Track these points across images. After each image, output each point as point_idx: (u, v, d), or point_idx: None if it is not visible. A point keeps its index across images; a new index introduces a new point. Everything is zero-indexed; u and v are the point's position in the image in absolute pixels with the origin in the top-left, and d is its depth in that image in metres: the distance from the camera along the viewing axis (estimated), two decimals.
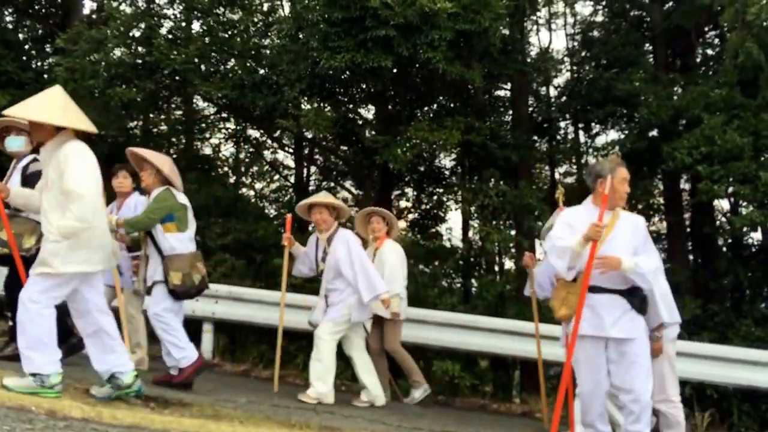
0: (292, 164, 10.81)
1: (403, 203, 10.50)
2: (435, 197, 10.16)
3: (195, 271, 3.84)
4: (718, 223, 9.10)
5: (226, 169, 10.60)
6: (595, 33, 10.39)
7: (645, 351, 3.02)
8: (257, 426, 3.42)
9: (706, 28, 9.13)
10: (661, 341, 3.48)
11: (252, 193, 10.73)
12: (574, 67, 10.56)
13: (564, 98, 10.33)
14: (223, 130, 10.22)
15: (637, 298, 3.00)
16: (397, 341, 4.73)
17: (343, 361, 5.62)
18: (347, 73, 6.76)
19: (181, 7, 7.89)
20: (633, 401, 2.96)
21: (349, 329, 4.28)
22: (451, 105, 8.30)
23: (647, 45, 9.62)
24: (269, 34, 8.33)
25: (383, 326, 4.68)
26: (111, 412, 2.97)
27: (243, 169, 10.42)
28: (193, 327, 5.46)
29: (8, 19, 10.13)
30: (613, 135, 9.85)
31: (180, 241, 3.85)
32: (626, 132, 9.08)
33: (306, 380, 4.99)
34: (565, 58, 10.98)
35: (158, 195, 3.88)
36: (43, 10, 10.28)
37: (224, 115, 9.47)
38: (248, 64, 7.69)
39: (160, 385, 3.71)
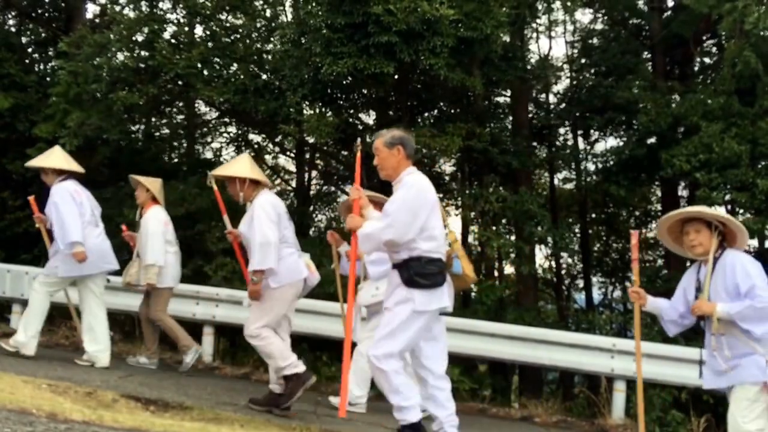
0: (293, 169, 10.85)
1: None
2: None
3: None
4: None
5: None
6: (595, 41, 10.47)
7: None
8: (258, 429, 3.44)
9: (705, 37, 9.21)
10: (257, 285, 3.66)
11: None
12: (574, 74, 10.63)
13: (563, 105, 10.40)
14: (225, 135, 10.26)
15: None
16: (159, 310, 4.86)
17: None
18: (349, 78, 6.81)
19: (183, 12, 7.93)
20: None
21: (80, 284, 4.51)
22: (452, 111, 8.35)
23: (646, 53, 9.70)
24: (272, 39, 8.39)
25: (150, 295, 4.86)
26: (112, 415, 3.00)
27: None
28: (194, 330, 5.49)
29: (11, 22, 10.18)
30: (612, 142, 9.92)
31: None
32: (625, 139, 9.14)
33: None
34: (565, 66, 11.05)
35: None
36: (47, 14, 10.33)
37: (226, 119, 9.50)
38: (251, 69, 7.74)
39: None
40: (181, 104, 9.01)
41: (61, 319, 6.09)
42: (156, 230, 4.77)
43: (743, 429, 2.80)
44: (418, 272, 2.96)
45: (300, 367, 3.73)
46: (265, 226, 3.67)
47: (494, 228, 8.12)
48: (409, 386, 3.01)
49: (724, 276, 2.91)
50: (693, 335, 6.88)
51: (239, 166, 3.96)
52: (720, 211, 3.01)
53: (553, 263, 11.09)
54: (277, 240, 3.72)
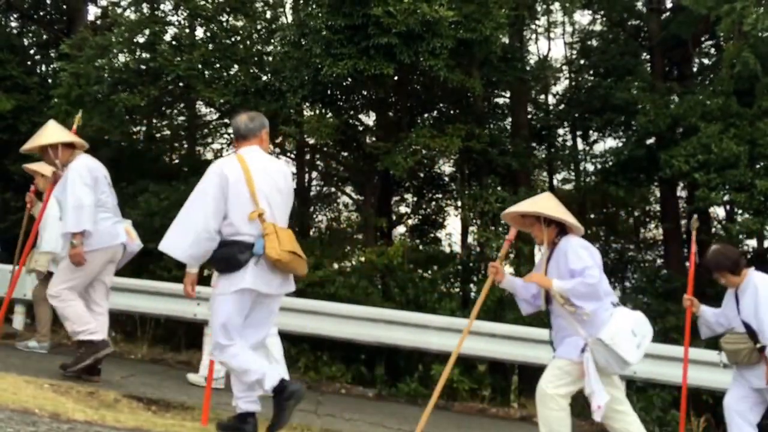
0: (293, 170, 10.87)
1: (402, 209, 10.58)
2: (434, 203, 10.24)
3: None
4: (714, 230, 9.17)
5: None
6: (594, 42, 10.50)
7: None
8: (259, 428, 3.46)
9: (703, 38, 9.25)
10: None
11: None
12: (573, 76, 10.66)
13: (562, 106, 10.43)
14: (226, 136, 10.28)
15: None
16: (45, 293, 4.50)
17: (345, 363, 5.67)
18: (349, 80, 6.84)
19: (185, 14, 7.96)
20: None
21: None
22: (452, 112, 8.38)
23: (645, 54, 9.73)
24: (272, 41, 8.42)
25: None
26: (114, 415, 3.02)
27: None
28: (195, 330, 5.52)
29: (13, 24, 10.22)
30: (611, 142, 9.95)
31: None
32: (624, 140, 9.17)
33: (308, 383, 5.05)
34: (564, 67, 11.09)
35: None
36: (48, 16, 10.37)
37: (227, 120, 9.52)
38: (251, 71, 7.76)
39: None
40: (182, 105, 9.04)
41: None
42: (54, 214, 4.33)
43: (544, 390, 3.12)
44: (214, 257, 2.95)
45: (97, 335, 3.69)
46: (78, 189, 3.62)
47: (493, 228, 8.14)
48: (254, 362, 2.96)
49: (558, 261, 3.20)
50: (693, 336, 6.91)
51: (48, 132, 3.83)
52: (548, 205, 3.31)
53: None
54: (92, 203, 3.67)
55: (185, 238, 2.92)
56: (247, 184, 2.94)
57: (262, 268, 2.92)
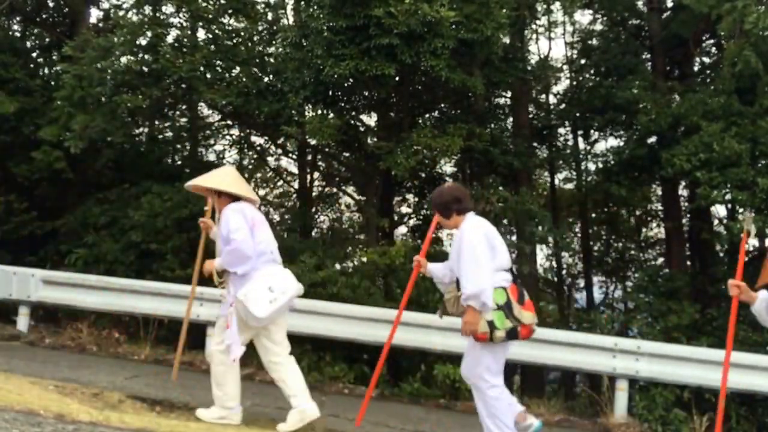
0: (295, 170, 10.89)
1: (404, 209, 10.59)
2: None
3: None
4: (715, 228, 9.17)
5: None
6: (594, 41, 10.49)
7: None
8: (262, 429, 3.48)
9: (704, 37, 9.23)
10: None
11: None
12: (574, 75, 10.66)
13: (564, 105, 10.43)
14: (228, 137, 10.30)
15: None
16: None
17: (347, 364, 5.68)
18: (351, 80, 6.85)
19: (186, 16, 7.98)
20: None
21: None
22: (453, 112, 8.39)
23: (646, 53, 9.71)
24: (274, 42, 8.43)
25: None
26: (119, 416, 3.04)
27: (247, 175, 10.49)
28: (197, 331, 5.54)
29: (16, 27, 10.25)
30: (612, 142, 9.95)
31: None
32: (625, 139, 9.17)
33: (311, 384, 5.05)
34: (565, 66, 11.09)
35: None
36: (51, 19, 10.39)
37: (229, 122, 9.55)
38: (253, 72, 7.78)
39: None
40: (184, 107, 9.05)
41: (67, 320, 6.14)
42: None
43: (209, 349, 3.57)
44: None
45: None
46: None
47: (495, 228, 8.14)
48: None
49: (221, 228, 3.53)
50: (696, 335, 6.92)
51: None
52: (224, 180, 3.64)
53: (554, 263, 11.12)
54: None
55: None
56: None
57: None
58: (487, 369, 3.33)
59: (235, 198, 3.56)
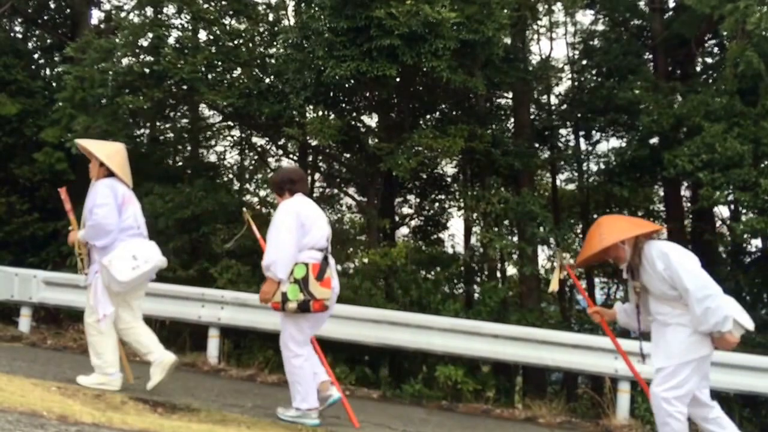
0: None
1: (405, 210, 10.58)
2: (437, 204, 10.23)
3: None
4: (718, 229, 9.15)
5: (231, 176, 10.70)
6: (596, 42, 10.47)
7: None
8: (264, 430, 3.48)
9: (706, 37, 9.21)
10: None
11: (256, 199, 10.83)
12: (575, 76, 10.64)
13: (565, 106, 10.41)
14: (229, 138, 10.31)
15: None
16: None
17: (349, 365, 5.67)
18: (352, 81, 6.85)
19: (188, 17, 7.99)
20: None
21: None
22: (454, 113, 8.38)
23: (648, 54, 9.70)
24: (275, 43, 8.44)
25: None
26: (121, 417, 3.04)
27: (248, 176, 10.50)
28: (199, 332, 5.54)
29: (18, 29, 10.28)
30: (614, 142, 9.94)
31: None
32: (627, 140, 9.15)
33: None
34: (566, 67, 11.06)
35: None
36: (52, 21, 10.42)
37: (230, 123, 9.55)
38: (254, 73, 7.79)
39: None
40: (185, 108, 9.07)
41: (69, 321, 6.15)
42: None
43: (86, 320, 3.78)
44: None
45: None
46: None
47: (496, 229, 8.14)
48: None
49: (88, 199, 3.74)
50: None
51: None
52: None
53: (556, 264, 11.05)
54: None
55: None
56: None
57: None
58: (291, 338, 3.56)
59: (112, 174, 3.80)
